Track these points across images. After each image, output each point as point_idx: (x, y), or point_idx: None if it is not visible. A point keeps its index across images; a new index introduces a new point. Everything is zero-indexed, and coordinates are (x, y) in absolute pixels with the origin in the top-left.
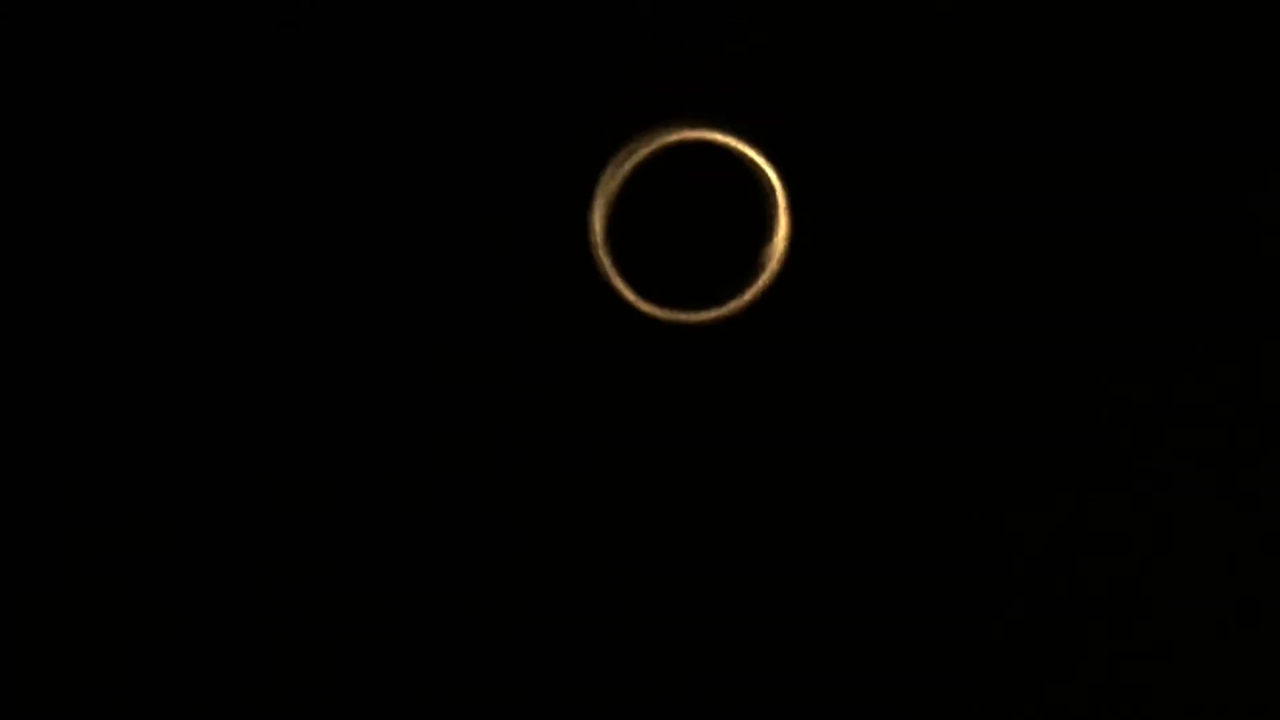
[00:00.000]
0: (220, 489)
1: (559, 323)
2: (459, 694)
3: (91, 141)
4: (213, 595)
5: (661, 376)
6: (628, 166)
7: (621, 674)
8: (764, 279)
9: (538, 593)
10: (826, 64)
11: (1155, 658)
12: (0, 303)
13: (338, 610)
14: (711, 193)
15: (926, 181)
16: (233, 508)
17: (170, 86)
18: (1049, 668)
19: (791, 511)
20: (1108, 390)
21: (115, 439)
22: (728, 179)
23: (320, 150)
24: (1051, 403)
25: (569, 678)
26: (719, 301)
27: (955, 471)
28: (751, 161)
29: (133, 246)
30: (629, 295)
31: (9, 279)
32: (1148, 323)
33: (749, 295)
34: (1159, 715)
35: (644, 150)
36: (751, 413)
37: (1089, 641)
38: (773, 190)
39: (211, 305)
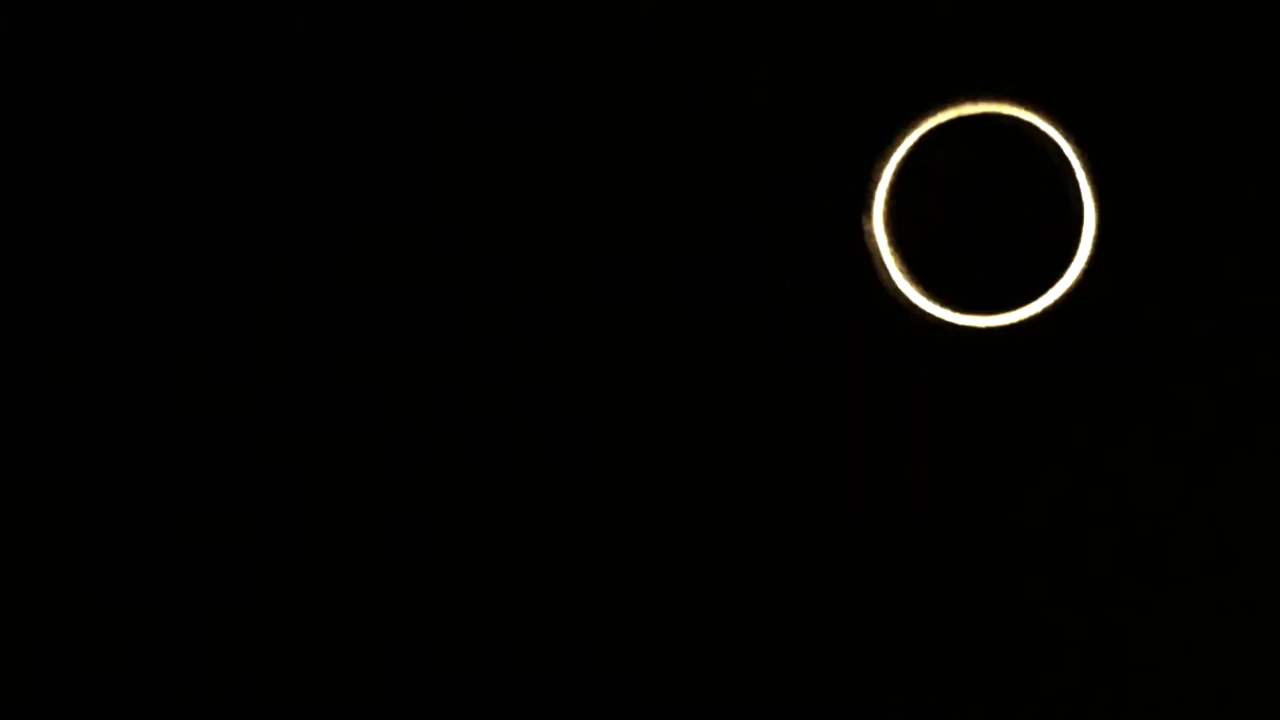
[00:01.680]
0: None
1: (834, 327)
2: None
3: (92, 141)
4: (221, 593)
5: (949, 387)
6: (905, 148)
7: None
8: (1069, 279)
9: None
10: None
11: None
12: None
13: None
14: (997, 177)
15: (1246, 169)
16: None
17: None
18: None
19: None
20: None
21: (115, 439)
22: (1017, 161)
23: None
24: None
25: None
26: (1012, 304)
27: None
28: (1046, 139)
29: (163, 242)
30: (913, 296)
31: (9, 279)
32: None
33: (1050, 298)
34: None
35: (922, 129)
36: (1049, 430)
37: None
38: (1072, 173)
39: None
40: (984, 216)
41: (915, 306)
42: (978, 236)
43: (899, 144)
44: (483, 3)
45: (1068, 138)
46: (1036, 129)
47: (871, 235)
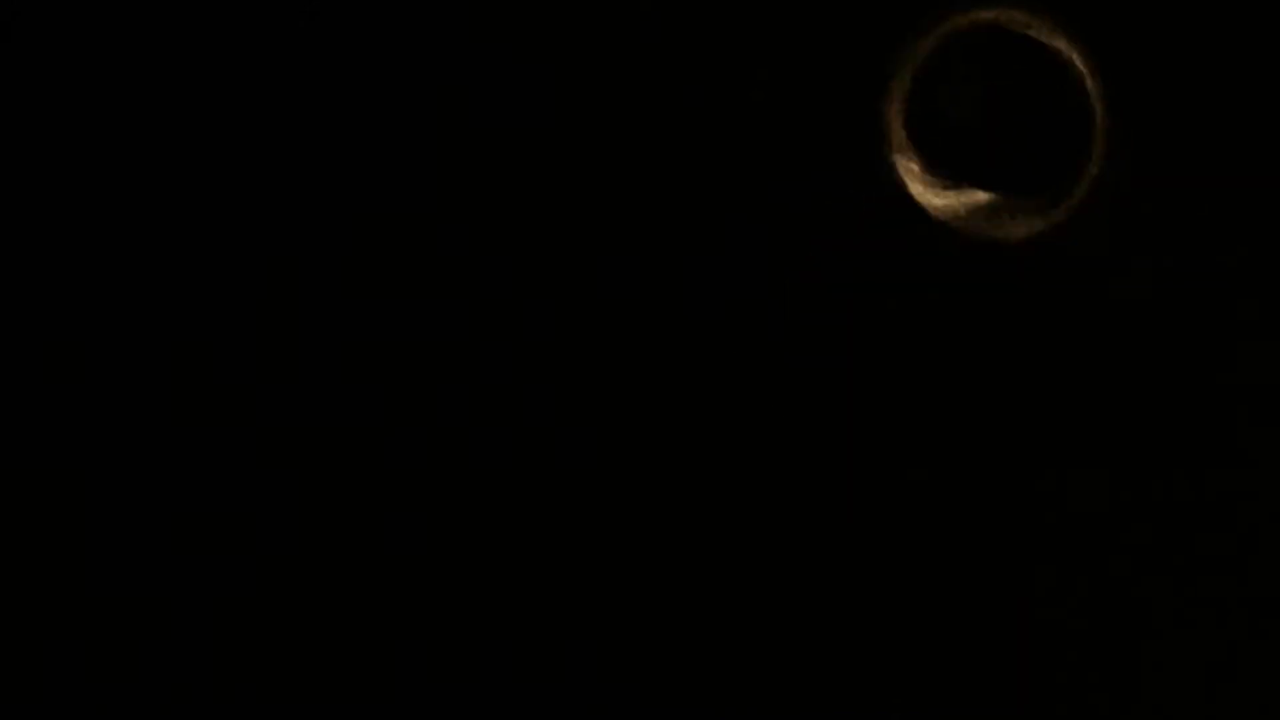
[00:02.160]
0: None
1: (848, 237)
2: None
3: (91, 141)
4: (222, 593)
5: (958, 302)
6: (918, 57)
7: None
8: (1079, 192)
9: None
10: None
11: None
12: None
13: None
14: (1008, 88)
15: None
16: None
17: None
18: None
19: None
20: None
21: (115, 439)
22: (1027, 72)
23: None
24: None
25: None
26: (1022, 218)
27: None
28: (1057, 51)
29: (167, 240)
30: (928, 205)
31: (9, 279)
32: None
33: (1062, 211)
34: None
35: (930, 39)
36: (1060, 348)
37: None
38: (1083, 82)
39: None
40: (998, 121)
41: (929, 215)
42: (983, 149)
43: (918, 50)
44: (483, 2)
45: (1077, 46)
46: (1047, 40)
47: (888, 133)
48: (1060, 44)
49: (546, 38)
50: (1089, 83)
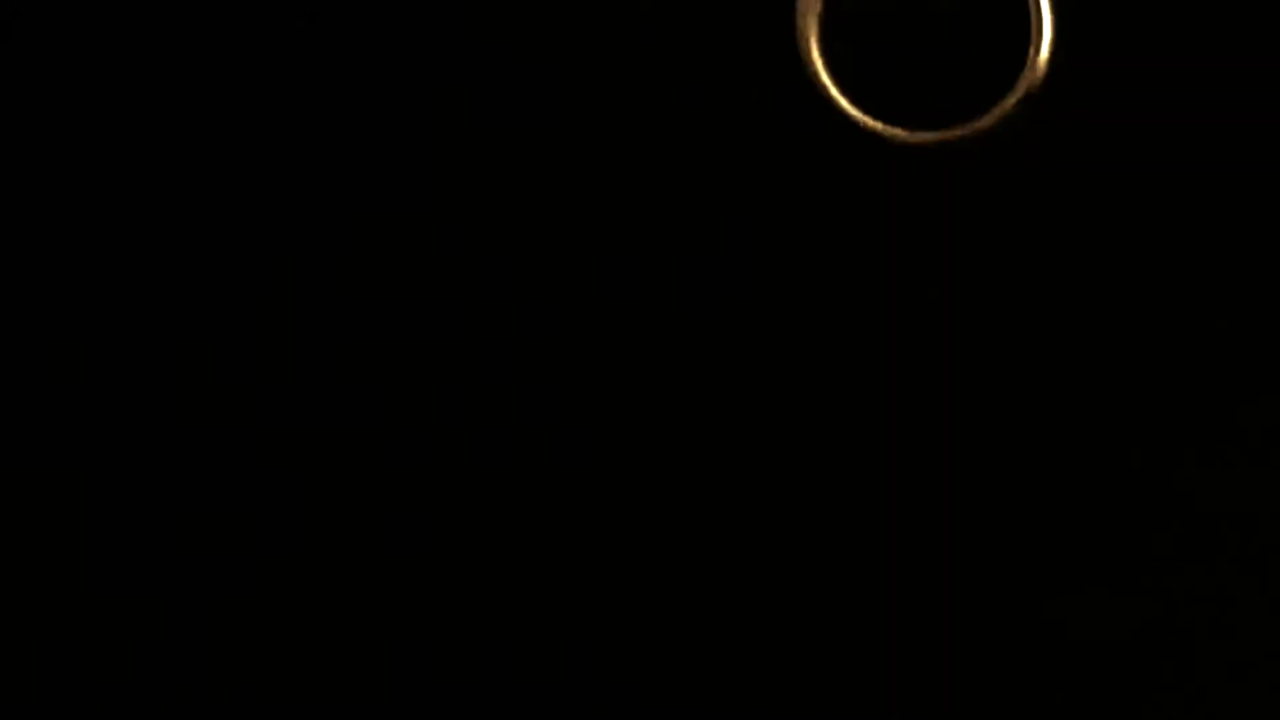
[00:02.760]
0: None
1: (766, 143)
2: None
3: (91, 141)
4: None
5: (891, 209)
6: None
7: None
8: (1021, 90)
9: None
10: None
11: None
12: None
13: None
14: None
15: None
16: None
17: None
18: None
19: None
20: None
21: (114, 438)
22: None
23: None
24: None
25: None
26: (960, 117)
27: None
28: None
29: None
30: (851, 110)
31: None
32: None
33: (1001, 109)
34: None
35: None
36: (997, 257)
37: None
38: None
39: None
40: (924, 25)
41: (853, 118)
42: (917, 47)
43: None
44: (483, 2)
45: None
46: None
47: (805, 39)
48: None
49: None
50: None
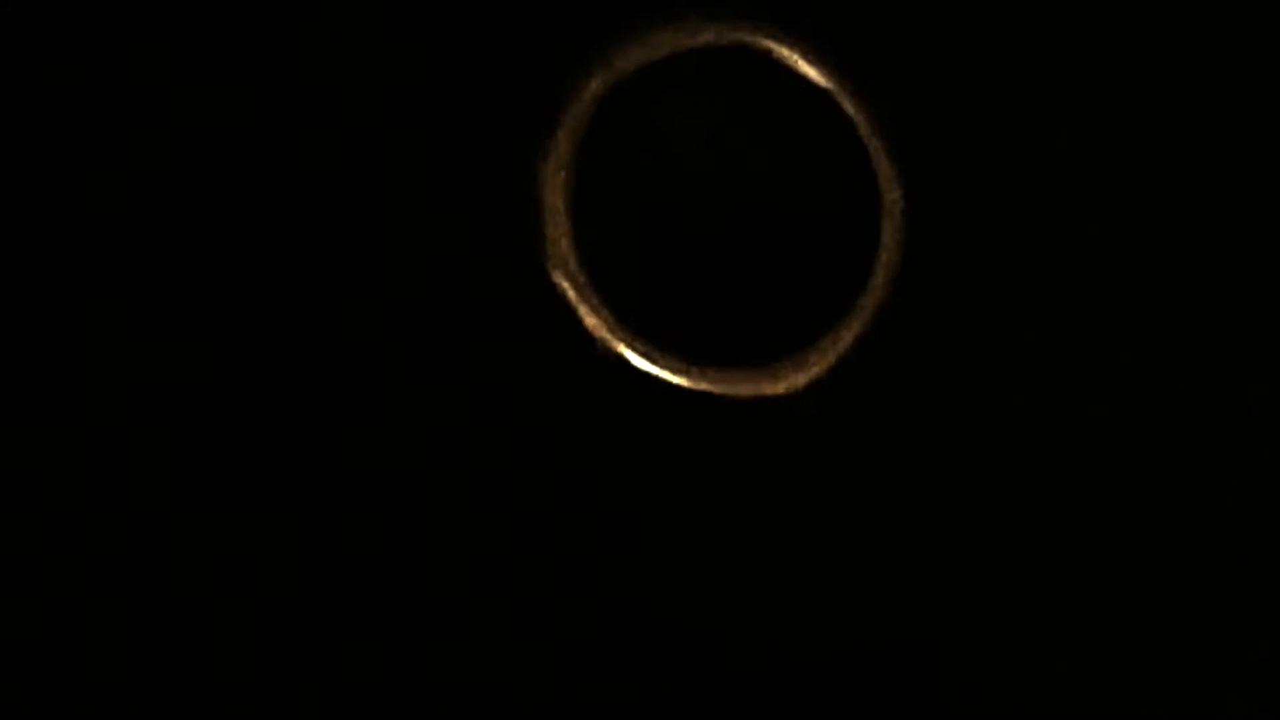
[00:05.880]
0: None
1: (509, 374)
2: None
3: (91, 140)
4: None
5: (684, 470)
6: (597, 92)
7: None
8: (860, 320)
9: None
10: None
11: None
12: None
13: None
14: (746, 144)
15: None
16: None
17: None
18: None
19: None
20: None
21: (114, 438)
22: (773, 112)
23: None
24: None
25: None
26: (776, 365)
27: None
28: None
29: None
30: (622, 348)
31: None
32: None
33: (837, 350)
34: None
35: (628, 65)
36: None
37: None
38: (872, 144)
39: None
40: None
41: (625, 360)
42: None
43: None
44: (483, 2)
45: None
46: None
47: (552, 241)
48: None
49: None
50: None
